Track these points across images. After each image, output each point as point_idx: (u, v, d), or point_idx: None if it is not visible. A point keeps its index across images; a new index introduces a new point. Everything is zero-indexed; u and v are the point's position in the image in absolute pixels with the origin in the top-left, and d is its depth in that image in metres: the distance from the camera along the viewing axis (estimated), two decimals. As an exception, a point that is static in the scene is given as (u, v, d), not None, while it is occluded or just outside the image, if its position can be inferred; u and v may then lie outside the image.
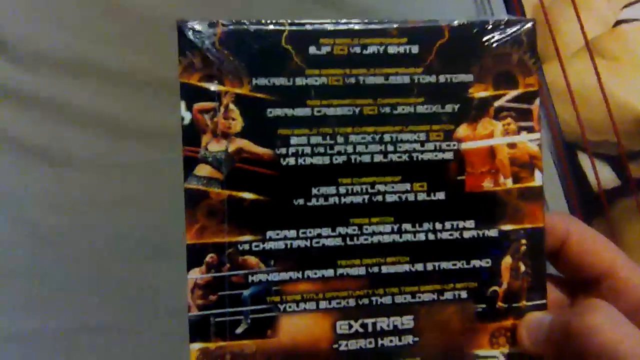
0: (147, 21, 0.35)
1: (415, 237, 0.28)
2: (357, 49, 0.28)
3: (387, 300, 0.28)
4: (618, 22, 0.58)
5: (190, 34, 0.27)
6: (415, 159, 0.28)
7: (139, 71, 0.35)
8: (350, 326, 0.28)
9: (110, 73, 0.35)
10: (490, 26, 0.29)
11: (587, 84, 0.53)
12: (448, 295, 0.29)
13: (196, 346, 0.27)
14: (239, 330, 0.27)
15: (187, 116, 0.27)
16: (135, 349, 0.33)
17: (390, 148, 0.28)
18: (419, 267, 0.28)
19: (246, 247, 0.27)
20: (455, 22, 0.28)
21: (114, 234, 0.34)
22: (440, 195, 0.29)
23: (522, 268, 0.29)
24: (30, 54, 0.36)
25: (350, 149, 0.28)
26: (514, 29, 0.29)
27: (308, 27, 0.28)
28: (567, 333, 0.25)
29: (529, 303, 0.29)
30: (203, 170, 0.27)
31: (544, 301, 0.29)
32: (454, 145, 0.29)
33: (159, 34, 0.28)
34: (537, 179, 0.29)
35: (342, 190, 0.28)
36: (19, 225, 0.35)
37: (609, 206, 0.52)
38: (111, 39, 0.36)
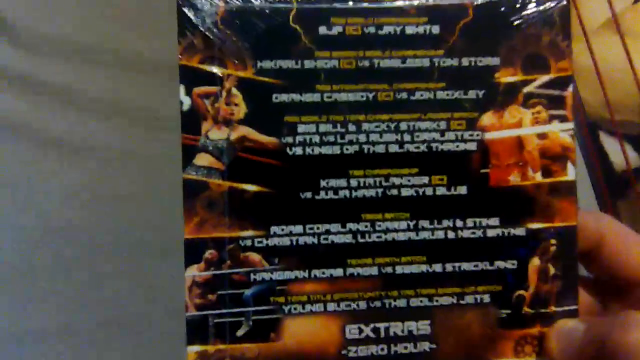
0: (159, 6, 0.34)
1: (433, 235, 0.26)
2: (372, 29, 0.26)
3: (401, 303, 0.26)
4: (639, -1, 0.57)
5: (190, 12, 0.25)
6: (434, 149, 0.26)
7: (152, 58, 0.34)
8: (361, 331, 0.26)
9: (120, 60, 0.34)
10: (519, 4, 0.26)
11: (610, 61, 0.52)
12: (469, 299, 0.26)
13: (194, 349, 0.25)
14: (239, 333, 0.25)
15: (187, 101, 0.25)
16: (136, 348, 0.32)
17: (406, 137, 0.26)
18: (437, 267, 0.26)
19: (248, 242, 0.25)
20: (481, 0, 0.26)
21: (121, 226, 0.33)
22: (462, 190, 0.26)
23: (552, 270, 0.27)
24: (36, 40, 0.35)
25: (362, 138, 0.26)
26: (546, 7, 0.26)
27: (318, 4, 0.25)
28: (605, 348, 0.23)
29: (559, 309, 0.27)
30: (203, 159, 0.25)
31: (575, 307, 0.27)
32: (478, 135, 0.26)
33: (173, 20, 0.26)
34: (570, 173, 0.27)
35: (353, 182, 0.26)
36: (24, 215, 0.34)
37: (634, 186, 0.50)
38: (123, 25, 0.34)
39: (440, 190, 0.26)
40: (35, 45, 0.34)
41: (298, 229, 0.26)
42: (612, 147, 0.52)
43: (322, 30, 0.25)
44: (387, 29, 0.26)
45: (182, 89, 0.25)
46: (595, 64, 0.50)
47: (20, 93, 0.34)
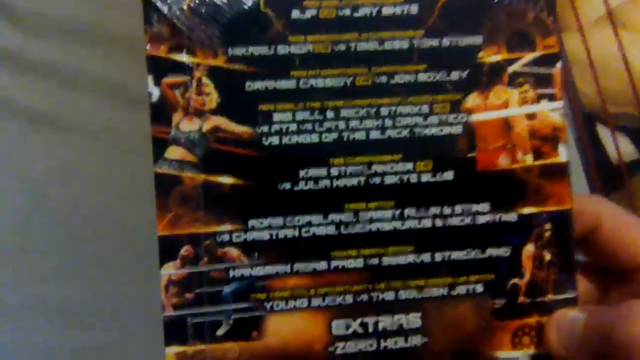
0: None
1: (420, 223, 0.25)
2: (347, 11, 0.25)
3: (389, 296, 0.25)
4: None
5: None
6: (417, 134, 0.25)
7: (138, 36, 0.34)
8: (348, 326, 0.25)
9: (118, 40, 0.34)
10: (501, -21, 0.25)
11: (607, 54, 0.51)
12: (461, 289, 0.25)
13: (172, 350, 0.24)
14: (219, 332, 0.24)
15: (156, 92, 0.24)
16: (148, 324, 0.31)
17: (388, 123, 0.25)
18: (426, 257, 0.25)
19: (226, 237, 0.24)
20: None
21: (91, 210, 0.33)
22: (448, 176, 0.25)
23: (547, 257, 0.25)
24: (34, 17, 0.35)
25: (342, 125, 0.25)
26: (529, -19, 0.25)
27: None
28: (608, 339, 0.22)
29: (557, 297, 0.26)
30: (175, 152, 0.24)
31: (574, 294, 0.26)
32: (463, 117, 0.25)
33: None
34: (562, 154, 0.26)
35: (334, 171, 0.25)
36: (24, 194, 0.34)
37: (629, 179, 0.49)
38: (121, 5, 0.34)
39: (426, 177, 0.25)
40: (39, 25, 0.34)
41: (278, 221, 0.25)
42: (609, 139, 0.52)
43: (295, 14, 0.25)
44: (363, 11, 0.25)
45: (150, 79, 0.24)
46: (589, 54, 0.49)
47: (22, 72, 0.34)
